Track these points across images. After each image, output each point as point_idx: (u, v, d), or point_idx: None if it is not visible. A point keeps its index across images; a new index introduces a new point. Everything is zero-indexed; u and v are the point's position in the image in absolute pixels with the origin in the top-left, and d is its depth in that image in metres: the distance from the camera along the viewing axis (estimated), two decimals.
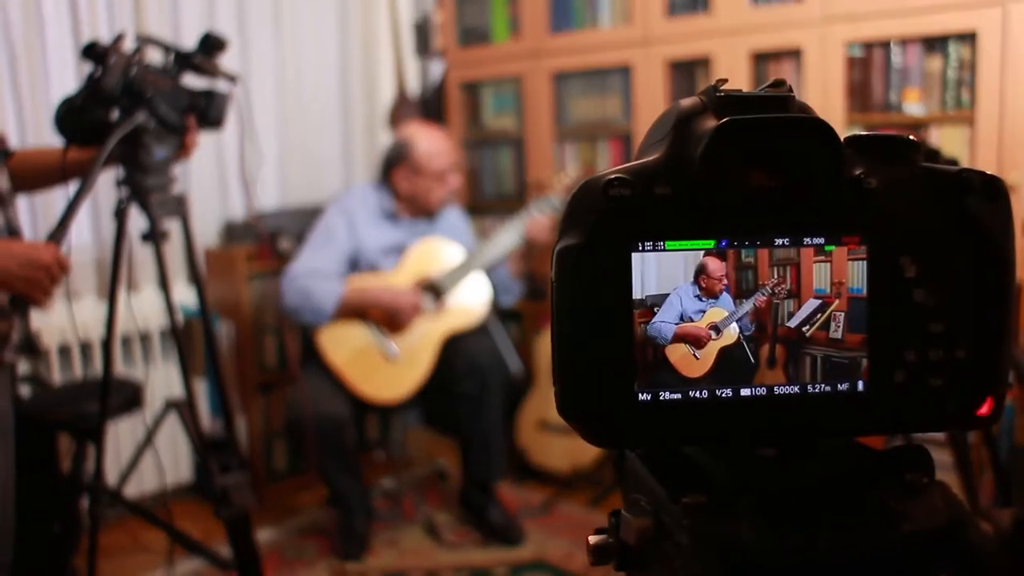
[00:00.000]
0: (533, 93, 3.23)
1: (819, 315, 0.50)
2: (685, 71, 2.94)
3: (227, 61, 3.06)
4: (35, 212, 2.69)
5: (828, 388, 0.50)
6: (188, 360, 2.13)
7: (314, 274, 2.69)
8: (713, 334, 0.50)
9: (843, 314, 0.50)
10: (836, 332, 0.50)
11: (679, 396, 0.49)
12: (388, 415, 3.33)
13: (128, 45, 1.95)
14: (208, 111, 2.08)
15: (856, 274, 0.50)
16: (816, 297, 0.50)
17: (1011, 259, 0.51)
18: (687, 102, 0.52)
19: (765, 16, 2.72)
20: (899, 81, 2.57)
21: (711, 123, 0.49)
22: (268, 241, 3.01)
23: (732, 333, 0.50)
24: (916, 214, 0.51)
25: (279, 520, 2.94)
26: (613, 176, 0.49)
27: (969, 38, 2.42)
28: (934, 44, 2.50)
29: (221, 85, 2.13)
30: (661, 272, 0.49)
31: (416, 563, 2.65)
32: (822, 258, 0.50)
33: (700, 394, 0.49)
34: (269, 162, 3.25)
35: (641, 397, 0.49)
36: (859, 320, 0.50)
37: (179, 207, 2.11)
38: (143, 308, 2.80)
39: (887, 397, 0.50)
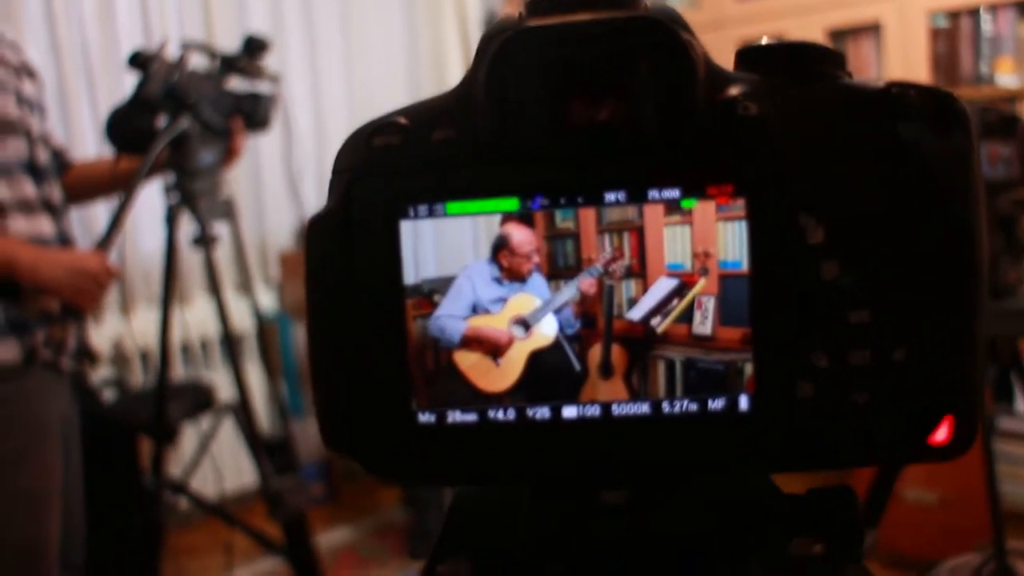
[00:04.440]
0: None
1: (675, 302, 0.35)
2: None
3: (295, 65, 3.10)
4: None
5: (694, 407, 0.35)
6: (241, 363, 2.12)
7: None
8: (519, 332, 0.35)
9: (713, 299, 0.35)
10: (703, 326, 0.35)
11: (474, 417, 0.35)
12: None
13: (172, 52, 1.97)
14: (254, 113, 2.08)
15: (731, 241, 0.34)
16: (670, 275, 0.35)
17: (972, 213, 0.34)
18: (506, 15, 0.38)
19: None
20: (990, 51, 2.29)
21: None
22: None
23: (548, 331, 0.35)
24: (824, 152, 0.34)
25: (355, 519, 2.94)
26: (384, 120, 0.36)
27: None
28: None
29: (265, 87, 2.11)
30: (443, 246, 0.35)
31: None
32: (677, 218, 0.35)
33: (504, 415, 0.35)
34: None
35: (422, 418, 0.36)
36: (738, 308, 0.34)
37: (228, 211, 2.10)
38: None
39: (783, 419, 0.35)
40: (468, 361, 0.35)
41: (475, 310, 0.35)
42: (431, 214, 0.35)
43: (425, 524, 2.72)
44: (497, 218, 0.35)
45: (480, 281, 0.35)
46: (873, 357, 0.34)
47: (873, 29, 2.47)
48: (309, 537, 2.14)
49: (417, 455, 0.36)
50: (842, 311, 0.34)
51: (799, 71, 0.36)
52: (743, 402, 0.35)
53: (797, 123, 0.35)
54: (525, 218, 0.35)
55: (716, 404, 0.35)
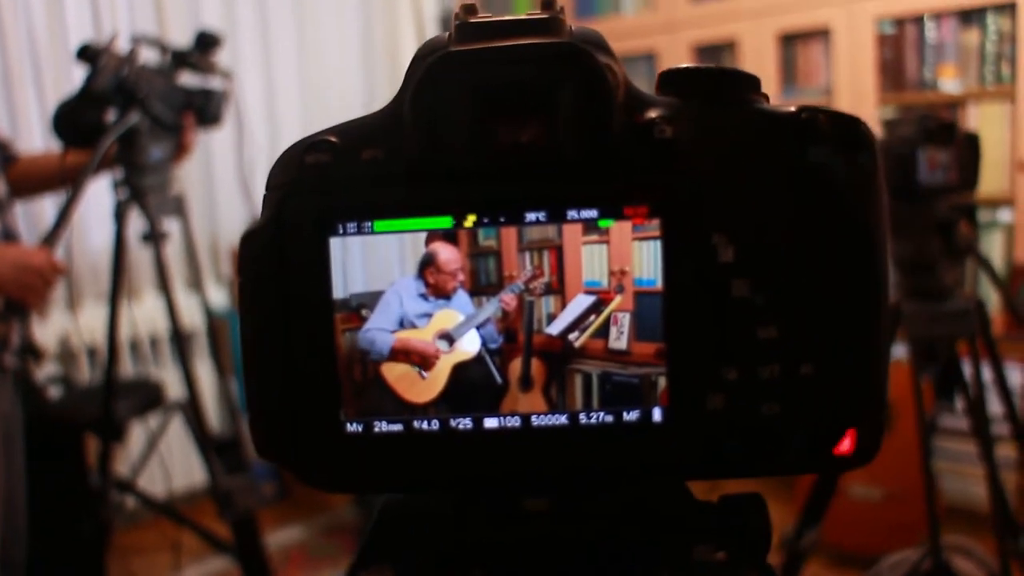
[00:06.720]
0: None
1: (592, 317, 0.36)
2: (711, 56, 2.81)
3: (248, 61, 3.06)
4: None
5: (609, 418, 0.37)
6: (190, 360, 2.09)
7: None
8: (443, 346, 0.37)
9: (628, 315, 0.36)
10: (619, 341, 0.36)
11: (400, 428, 0.37)
12: None
13: (123, 45, 1.93)
14: (206, 109, 2.05)
15: (646, 259, 0.36)
16: (588, 292, 0.36)
17: (877, 234, 0.36)
18: (436, 36, 0.39)
19: None
20: (933, 57, 2.39)
21: None
22: None
23: (471, 345, 0.37)
24: (736, 174, 0.36)
25: (307, 518, 2.93)
26: (316, 138, 0.37)
27: (1008, 8, 2.23)
28: (971, 16, 2.31)
29: (217, 83, 2.08)
30: (371, 263, 0.36)
31: None
32: (595, 238, 0.36)
33: (429, 425, 0.37)
34: None
35: (349, 428, 0.37)
36: (652, 324, 0.36)
37: (178, 207, 2.07)
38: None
39: (696, 430, 0.36)
40: (395, 373, 0.37)
41: (402, 324, 0.37)
42: (359, 231, 0.36)
43: None
44: (423, 236, 0.36)
45: (407, 296, 0.36)
46: (781, 371, 0.36)
47: (822, 34, 2.55)
48: (258, 537, 2.12)
49: (345, 464, 0.37)
50: (751, 327, 0.36)
51: (716, 95, 0.38)
52: (657, 414, 0.36)
53: (711, 146, 0.36)
54: (450, 237, 0.36)
55: (631, 416, 0.36)
